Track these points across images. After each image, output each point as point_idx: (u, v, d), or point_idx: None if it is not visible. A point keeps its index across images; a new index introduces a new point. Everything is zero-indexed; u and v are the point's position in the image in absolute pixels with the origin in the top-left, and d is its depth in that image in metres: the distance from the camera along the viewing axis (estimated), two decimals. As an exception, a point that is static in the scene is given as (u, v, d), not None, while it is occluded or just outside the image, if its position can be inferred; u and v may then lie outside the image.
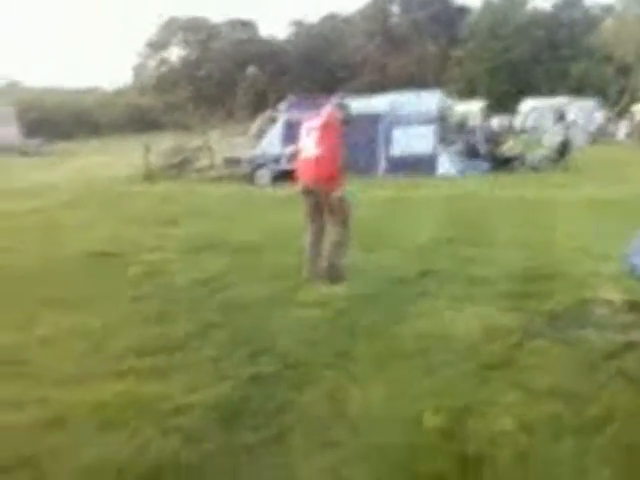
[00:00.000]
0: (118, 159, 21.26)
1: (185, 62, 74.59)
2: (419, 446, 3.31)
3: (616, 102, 41.05)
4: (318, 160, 6.32)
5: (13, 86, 62.90)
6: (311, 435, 3.45)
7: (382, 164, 18.67)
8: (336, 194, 6.30)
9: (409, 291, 6.07)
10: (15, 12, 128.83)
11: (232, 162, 19.18)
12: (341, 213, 6.38)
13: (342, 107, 6.64)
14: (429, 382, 4.02)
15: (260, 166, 18.13)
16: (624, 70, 47.92)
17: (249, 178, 17.92)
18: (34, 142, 36.03)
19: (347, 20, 73.11)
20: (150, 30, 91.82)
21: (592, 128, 32.98)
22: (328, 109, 6.55)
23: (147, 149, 19.56)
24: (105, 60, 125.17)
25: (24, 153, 32.98)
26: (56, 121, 47.06)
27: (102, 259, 7.71)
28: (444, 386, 3.96)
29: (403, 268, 6.92)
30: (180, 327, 5.13)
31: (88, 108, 54.36)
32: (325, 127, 6.34)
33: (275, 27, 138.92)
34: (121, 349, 4.66)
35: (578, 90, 47.80)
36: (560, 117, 21.35)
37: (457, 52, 62.35)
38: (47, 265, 7.50)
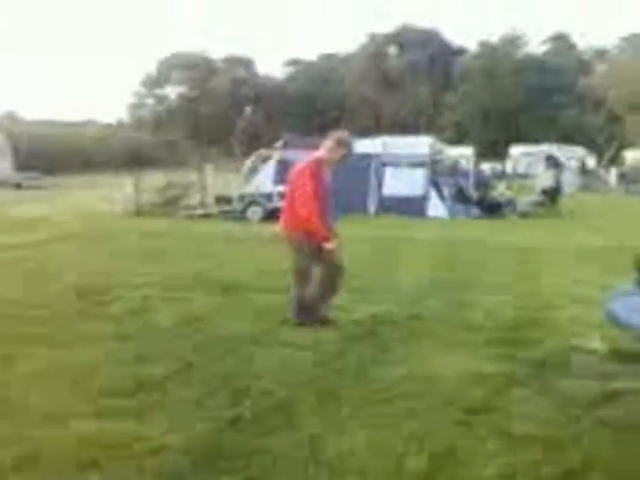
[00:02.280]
0: (110, 194, 21.24)
1: (183, 100, 75.20)
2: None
3: (605, 149, 41.48)
4: (287, 211, 6.26)
5: (8, 118, 63.19)
6: (289, 478, 3.40)
7: (373, 204, 18.76)
8: (327, 247, 6.06)
9: (396, 334, 6.05)
10: (10, 44, 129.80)
11: (223, 200, 19.19)
12: (330, 264, 6.20)
13: (342, 144, 6.24)
14: (412, 426, 3.99)
15: (252, 203, 18.16)
16: (613, 117, 48.46)
17: (241, 215, 17.94)
18: (28, 175, 35.87)
19: (344, 60, 73.86)
20: (147, 65, 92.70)
21: (583, 174, 33.35)
22: (316, 153, 6.26)
23: (137, 185, 19.64)
24: (101, 93, 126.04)
25: (18, 186, 32.93)
26: (49, 155, 46.95)
27: (87, 295, 7.64)
28: (427, 430, 3.93)
29: (391, 310, 6.90)
30: (161, 367, 5.06)
31: (82, 143, 54.32)
32: (297, 180, 6.07)
33: (273, 65, 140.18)
34: (100, 388, 4.60)
35: (567, 137, 48.33)
36: (555, 164, 21.52)
37: (450, 97, 62.90)
38: (32, 300, 7.43)
